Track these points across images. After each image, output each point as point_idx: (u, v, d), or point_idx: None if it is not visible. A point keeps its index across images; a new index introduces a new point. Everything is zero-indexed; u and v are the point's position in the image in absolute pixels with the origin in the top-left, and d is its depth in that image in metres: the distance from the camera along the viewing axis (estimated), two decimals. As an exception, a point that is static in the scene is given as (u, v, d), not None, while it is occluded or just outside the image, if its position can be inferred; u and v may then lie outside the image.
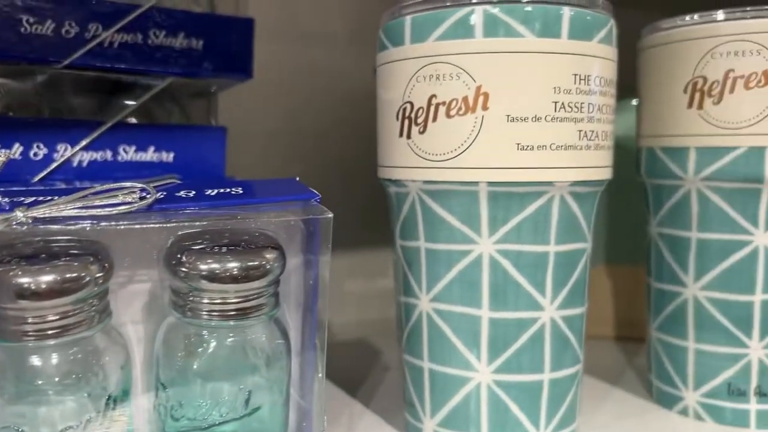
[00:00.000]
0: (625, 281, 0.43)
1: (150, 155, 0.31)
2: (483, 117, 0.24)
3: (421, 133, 0.25)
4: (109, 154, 0.30)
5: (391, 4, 0.26)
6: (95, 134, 0.30)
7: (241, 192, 0.24)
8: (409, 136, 0.25)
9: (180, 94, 0.35)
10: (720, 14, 0.28)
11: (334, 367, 0.28)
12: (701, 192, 0.29)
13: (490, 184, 0.24)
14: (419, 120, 0.25)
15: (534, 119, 0.24)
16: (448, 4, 0.24)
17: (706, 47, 0.28)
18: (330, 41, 0.47)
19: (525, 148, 0.24)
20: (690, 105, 0.29)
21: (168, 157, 0.32)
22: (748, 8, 0.27)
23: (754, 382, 0.29)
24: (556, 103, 0.24)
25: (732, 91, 0.28)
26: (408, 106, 0.25)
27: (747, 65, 0.27)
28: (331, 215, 0.23)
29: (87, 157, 0.30)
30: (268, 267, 0.22)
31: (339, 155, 0.46)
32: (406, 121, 0.25)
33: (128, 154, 0.31)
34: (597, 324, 0.41)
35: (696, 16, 0.28)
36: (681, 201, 0.30)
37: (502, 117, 0.24)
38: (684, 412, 0.31)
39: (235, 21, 0.32)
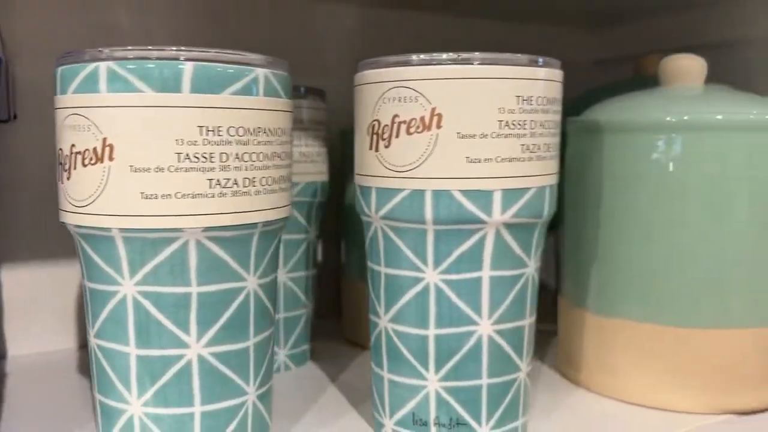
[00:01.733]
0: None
1: None
2: (110, 167, 0.25)
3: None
4: None
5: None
6: None
7: None
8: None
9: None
10: (392, 59, 0.29)
11: None
12: (384, 230, 0.30)
13: (122, 230, 0.25)
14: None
15: (157, 170, 0.25)
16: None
17: (380, 91, 0.29)
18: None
19: (149, 197, 0.25)
20: (370, 147, 0.30)
21: None
22: (417, 55, 0.28)
23: (433, 413, 0.30)
24: (179, 154, 0.25)
25: (397, 135, 0.28)
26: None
27: (408, 111, 0.28)
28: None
29: None
30: None
31: None
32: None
33: None
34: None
35: (376, 60, 0.29)
36: (373, 237, 0.31)
37: (125, 168, 0.25)
38: (390, 437, 0.32)
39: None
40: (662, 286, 0.35)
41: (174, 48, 0.25)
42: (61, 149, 0.27)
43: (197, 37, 0.48)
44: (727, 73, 0.55)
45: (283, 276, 0.41)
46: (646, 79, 0.43)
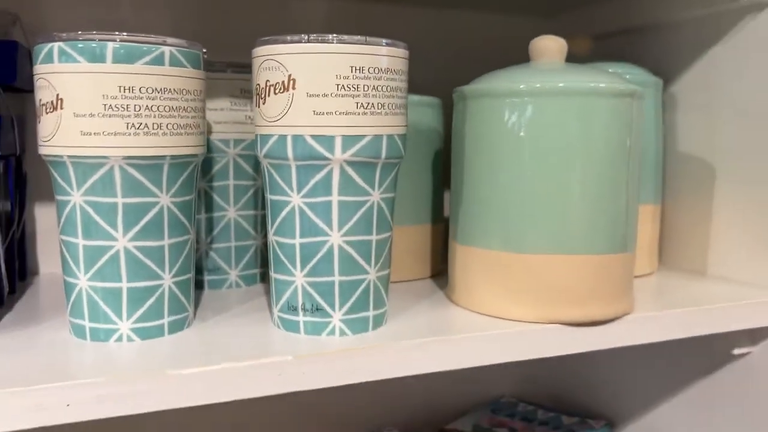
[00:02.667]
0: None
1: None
2: (61, 114, 0.37)
3: None
4: None
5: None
6: None
7: None
8: None
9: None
10: (264, 39, 0.39)
11: None
12: (267, 167, 0.41)
13: (70, 156, 0.38)
14: None
15: (90, 116, 0.37)
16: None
17: (258, 62, 0.40)
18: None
19: (86, 134, 0.37)
20: (257, 104, 0.40)
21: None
22: (283, 36, 0.39)
23: (300, 301, 0.41)
24: (105, 105, 0.37)
25: (269, 95, 0.39)
26: None
27: (274, 77, 0.39)
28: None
29: None
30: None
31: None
32: None
33: None
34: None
35: (260, 39, 0.40)
36: (263, 173, 0.42)
37: (71, 114, 0.37)
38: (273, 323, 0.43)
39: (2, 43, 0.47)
40: (506, 221, 0.44)
41: (105, 32, 0.37)
42: (36, 103, 0.39)
43: (187, 28, 0.60)
44: (654, 53, 0.63)
45: (233, 213, 0.53)
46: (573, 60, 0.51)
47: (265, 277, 0.56)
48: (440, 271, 0.58)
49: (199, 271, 0.52)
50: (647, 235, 0.58)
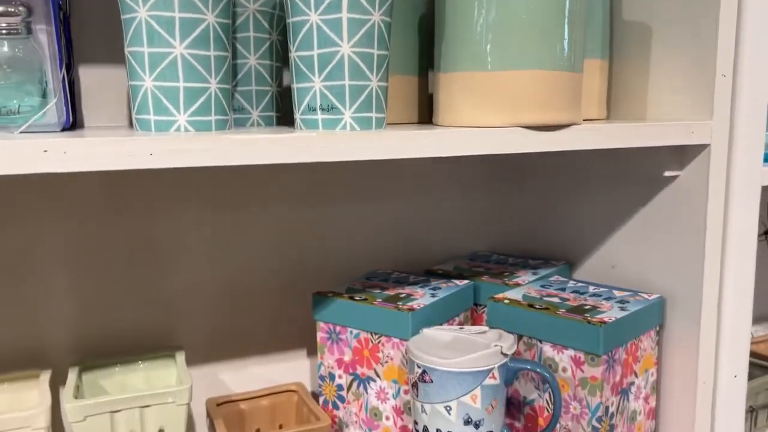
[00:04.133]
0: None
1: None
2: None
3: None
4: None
5: None
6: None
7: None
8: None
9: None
10: None
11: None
12: (289, -6, 0.52)
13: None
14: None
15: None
16: None
17: None
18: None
19: (151, -41, 0.47)
20: (281, -56, 0.51)
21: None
22: None
23: (318, 102, 0.52)
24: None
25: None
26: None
27: None
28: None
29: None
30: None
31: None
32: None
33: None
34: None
35: None
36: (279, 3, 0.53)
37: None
38: (296, 127, 0.54)
39: None
40: (476, 46, 0.55)
41: None
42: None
43: None
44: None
45: (254, 61, 0.63)
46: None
47: (281, 121, 0.67)
48: (426, 120, 0.69)
49: (226, 109, 0.63)
50: (596, 86, 0.70)
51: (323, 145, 0.49)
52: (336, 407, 0.72)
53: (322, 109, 0.52)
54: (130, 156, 0.44)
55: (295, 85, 0.53)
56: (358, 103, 0.52)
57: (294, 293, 0.82)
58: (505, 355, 0.60)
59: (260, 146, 0.47)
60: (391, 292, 0.71)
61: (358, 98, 0.52)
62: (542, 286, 0.73)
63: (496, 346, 0.60)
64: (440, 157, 0.86)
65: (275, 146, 0.47)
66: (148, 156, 0.44)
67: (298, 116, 0.54)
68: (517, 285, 0.75)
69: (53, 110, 0.51)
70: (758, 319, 1.11)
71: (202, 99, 0.51)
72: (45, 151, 0.42)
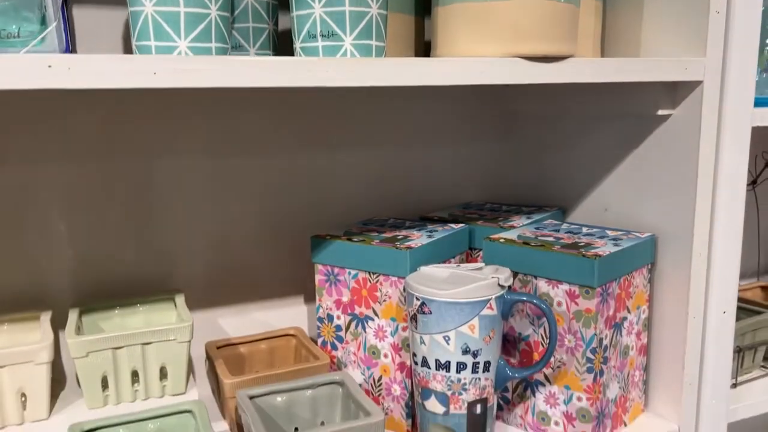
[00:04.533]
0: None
1: None
2: None
3: None
4: None
5: None
6: None
7: None
8: None
9: None
10: None
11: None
12: None
13: None
14: None
15: None
16: None
17: None
18: None
19: None
20: None
21: None
22: None
23: (318, 29, 0.52)
24: None
25: None
26: None
27: None
28: None
29: None
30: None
31: None
32: None
33: None
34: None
35: None
36: (285, -71, 0.53)
37: None
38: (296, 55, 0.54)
39: None
40: (477, -23, 0.56)
41: None
42: None
43: None
44: None
45: None
46: None
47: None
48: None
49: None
50: (591, 26, 0.70)
51: (325, 68, 0.49)
52: (334, 348, 0.73)
53: (323, 36, 0.52)
54: (134, 73, 0.44)
55: (294, 13, 0.53)
56: (359, 29, 0.52)
57: (291, 241, 0.82)
58: (502, 286, 0.61)
59: (265, 67, 0.47)
60: (388, 234, 0.72)
61: (358, 25, 0.52)
62: (537, 228, 0.74)
63: (493, 277, 0.61)
64: (433, 109, 0.87)
65: (280, 67, 0.48)
66: (152, 75, 0.44)
67: (297, 45, 0.54)
68: (512, 228, 0.76)
69: (53, 36, 0.51)
70: (743, 275, 1.13)
71: (202, 25, 0.51)
72: (49, 66, 0.42)
